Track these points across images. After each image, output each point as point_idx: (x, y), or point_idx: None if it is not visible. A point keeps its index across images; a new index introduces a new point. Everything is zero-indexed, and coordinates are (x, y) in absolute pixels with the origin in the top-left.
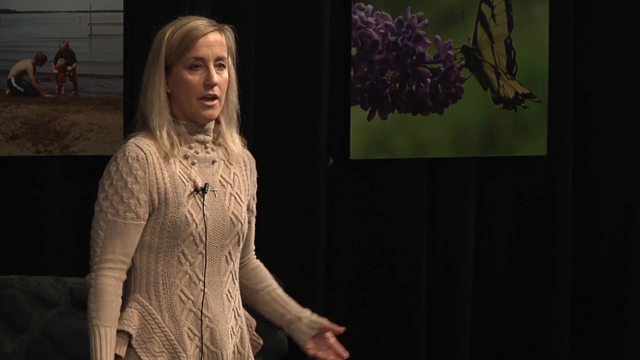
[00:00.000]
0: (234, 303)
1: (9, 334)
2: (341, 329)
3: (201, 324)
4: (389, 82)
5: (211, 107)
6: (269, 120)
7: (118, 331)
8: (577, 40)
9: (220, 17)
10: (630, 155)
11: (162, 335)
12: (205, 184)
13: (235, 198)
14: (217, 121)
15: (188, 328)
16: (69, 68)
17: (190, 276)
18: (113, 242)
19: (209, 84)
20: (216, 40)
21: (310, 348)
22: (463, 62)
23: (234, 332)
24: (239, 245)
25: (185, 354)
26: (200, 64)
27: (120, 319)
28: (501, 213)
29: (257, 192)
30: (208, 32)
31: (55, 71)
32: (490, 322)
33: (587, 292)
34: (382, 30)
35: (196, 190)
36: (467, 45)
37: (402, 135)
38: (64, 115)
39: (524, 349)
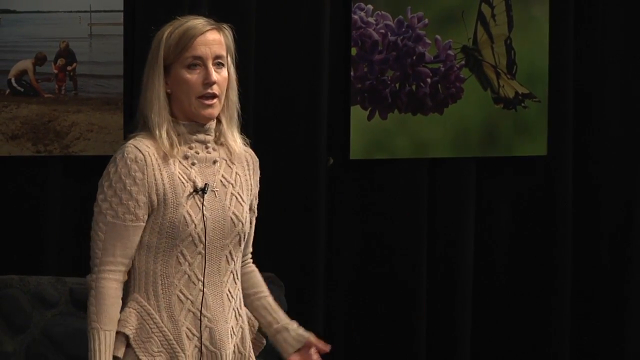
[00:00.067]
0: (235, 303)
1: (9, 334)
2: (327, 348)
3: (200, 324)
4: (389, 82)
5: (211, 106)
6: (269, 120)
7: (117, 332)
8: (577, 40)
9: (220, 17)
10: (630, 155)
11: (161, 335)
12: (205, 184)
13: (237, 198)
14: (219, 121)
15: (187, 328)
16: (69, 68)
17: (189, 276)
18: (113, 244)
19: (207, 83)
20: (214, 39)
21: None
22: (463, 62)
23: (234, 332)
24: (240, 245)
25: (184, 353)
26: (198, 62)
27: (119, 320)
28: (501, 213)
29: (258, 192)
30: (206, 31)
31: (56, 71)
32: (490, 322)
33: (587, 292)
34: (382, 30)
35: (196, 190)
36: (467, 45)
37: (402, 135)
38: (64, 115)
39: (524, 349)
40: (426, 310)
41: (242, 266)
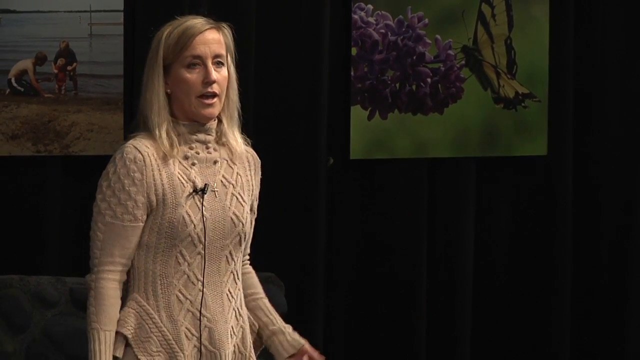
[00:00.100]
0: (236, 303)
1: (9, 334)
2: (321, 359)
3: (200, 324)
4: (389, 82)
5: (211, 105)
6: (269, 120)
7: (116, 332)
8: (577, 40)
9: (220, 17)
10: (630, 155)
11: (160, 334)
12: (205, 184)
13: (238, 198)
14: (220, 120)
15: (186, 328)
16: (69, 68)
17: (188, 276)
18: (112, 244)
19: (207, 82)
20: (213, 38)
21: None
22: (463, 61)
23: (234, 332)
24: (240, 246)
25: (183, 353)
26: (198, 62)
27: (118, 319)
28: (501, 213)
29: (259, 193)
30: (205, 30)
31: (56, 71)
32: (490, 322)
33: (587, 292)
34: (382, 30)
35: (195, 191)
36: (467, 45)
37: (402, 135)
38: (64, 115)
39: (524, 349)
40: (426, 310)
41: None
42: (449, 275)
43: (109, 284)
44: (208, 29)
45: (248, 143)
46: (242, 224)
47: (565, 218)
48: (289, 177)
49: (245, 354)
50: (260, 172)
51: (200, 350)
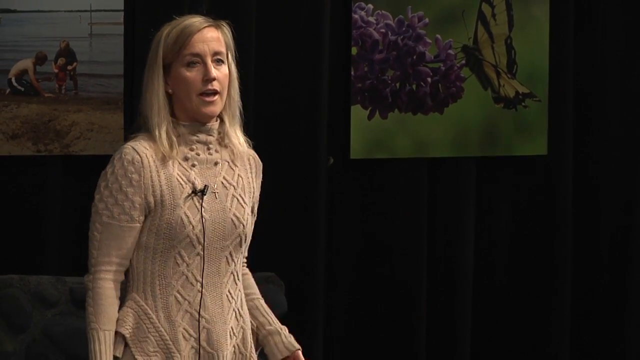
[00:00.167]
0: (236, 304)
1: (9, 334)
2: None
3: (198, 324)
4: (389, 82)
5: (212, 103)
6: (269, 120)
7: (115, 332)
8: (577, 40)
9: (220, 17)
10: (630, 155)
11: (157, 335)
12: (205, 185)
13: (238, 200)
14: (222, 120)
15: (184, 329)
16: (69, 67)
17: (187, 277)
18: (109, 244)
19: (207, 79)
20: (212, 36)
21: None
22: (463, 61)
23: (234, 333)
24: (241, 247)
25: (180, 354)
26: (197, 60)
27: (117, 319)
28: (501, 213)
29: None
30: (203, 28)
31: (56, 70)
32: (490, 322)
33: (587, 291)
34: (383, 30)
35: (194, 192)
36: (467, 44)
37: (402, 135)
38: (64, 115)
39: (524, 349)
40: (426, 310)
41: None
42: (449, 275)
43: (107, 284)
44: (206, 26)
45: (250, 145)
46: (243, 226)
47: (565, 218)
48: (289, 177)
49: (246, 354)
50: (261, 175)
51: (198, 352)
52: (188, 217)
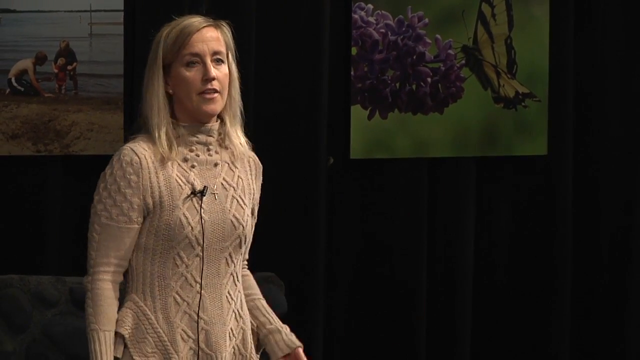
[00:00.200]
0: (235, 305)
1: (9, 334)
2: None
3: (197, 326)
4: (389, 82)
5: (212, 100)
6: (269, 120)
7: (115, 332)
8: (577, 40)
9: (220, 17)
10: (630, 155)
11: (155, 335)
12: (204, 187)
13: (238, 201)
14: (222, 121)
15: (182, 330)
16: (69, 67)
17: (186, 278)
18: (107, 245)
19: (207, 79)
20: (211, 36)
21: None
22: (463, 61)
23: (233, 334)
24: (240, 248)
25: (177, 355)
26: (196, 60)
27: (116, 319)
28: (501, 213)
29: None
30: (202, 28)
31: (56, 70)
32: (490, 322)
33: (587, 292)
34: (383, 30)
35: (194, 193)
36: (467, 44)
37: (402, 135)
38: (64, 115)
39: (524, 349)
40: (426, 310)
41: None
42: (449, 275)
43: (105, 285)
44: (206, 26)
45: (251, 146)
46: (243, 227)
47: (565, 218)
48: (289, 177)
49: (246, 355)
50: (261, 178)
51: (197, 353)
52: (187, 218)
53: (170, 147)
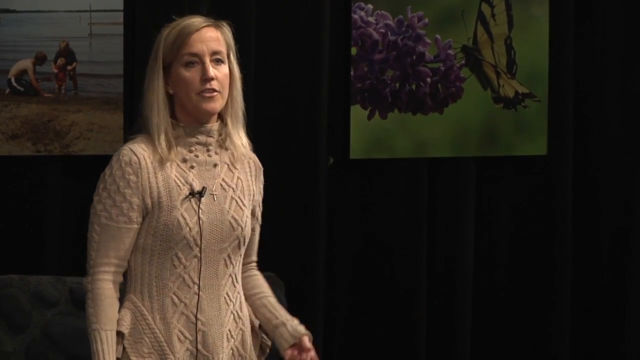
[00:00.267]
0: (234, 306)
1: (9, 334)
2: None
3: (195, 327)
4: (389, 82)
5: (211, 99)
6: (269, 120)
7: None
8: (577, 40)
9: (220, 17)
10: (630, 155)
11: (152, 336)
12: (203, 187)
13: (237, 202)
14: (224, 121)
15: (179, 331)
16: (69, 67)
17: (184, 279)
18: (107, 245)
19: (205, 79)
20: (211, 36)
21: (289, 355)
22: (463, 61)
23: (232, 335)
24: (239, 249)
25: (174, 356)
26: (195, 60)
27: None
28: (501, 213)
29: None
30: (202, 28)
31: (55, 71)
32: (490, 322)
33: (587, 291)
34: (382, 30)
35: (192, 193)
36: (467, 44)
37: (402, 135)
38: (64, 115)
39: (524, 349)
40: (426, 310)
41: (246, 272)
42: (449, 275)
43: (106, 285)
44: (205, 26)
45: (251, 147)
46: (242, 228)
47: (565, 218)
48: (289, 177)
49: (245, 356)
50: (262, 179)
51: (194, 354)
52: (185, 218)
53: (169, 147)
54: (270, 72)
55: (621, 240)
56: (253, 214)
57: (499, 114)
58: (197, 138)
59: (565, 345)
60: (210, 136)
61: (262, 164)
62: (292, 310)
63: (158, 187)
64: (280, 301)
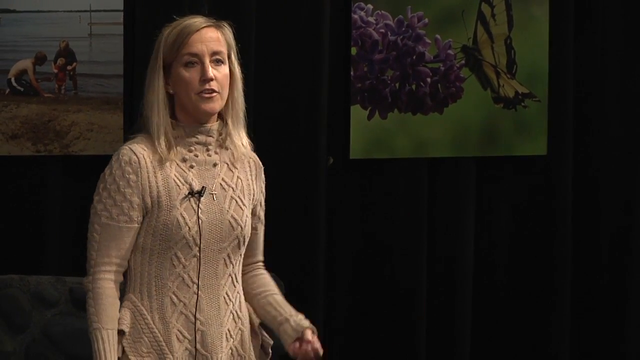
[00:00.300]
0: (234, 306)
1: (9, 334)
2: (320, 350)
3: (194, 327)
4: (389, 82)
5: (211, 99)
6: (269, 120)
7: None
8: (577, 40)
9: (220, 17)
10: (630, 155)
11: (151, 335)
12: (202, 187)
13: (237, 202)
14: (225, 121)
15: (178, 330)
16: (69, 67)
17: (183, 278)
18: (108, 245)
19: (204, 79)
20: (211, 36)
21: (292, 349)
22: (463, 61)
23: (231, 335)
24: (239, 249)
25: (172, 355)
26: (195, 60)
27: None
28: (501, 213)
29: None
30: (201, 28)
31: (55, 71)
32: (490, 322)
33: (587, 291)
34: (382, 30)
35: (191, 193)
36: (467, 44)
37: (402, 135)
38: (64, 115)
39: (524, 349)
40: (426, 310)
41: (252, 271)
42: (449, 275)
43: (107, 284)
44: (205, 27)
45: (253, 148)
46: (241, 228)
47: (565, 218)
48: (289, 177)
49: (244, 356)
50: (263, 178)
51: (192, 354)
52: (184, 218)
53: (169, 147)
54: (270, 72)
55: (621, 240)
56: (254, 213)
57: (499, 114)
58: (197, 138)
59: (565, 345)
60: (210, 136)
61: (263, 164)
62: None
63: (157, 187)
64: None
